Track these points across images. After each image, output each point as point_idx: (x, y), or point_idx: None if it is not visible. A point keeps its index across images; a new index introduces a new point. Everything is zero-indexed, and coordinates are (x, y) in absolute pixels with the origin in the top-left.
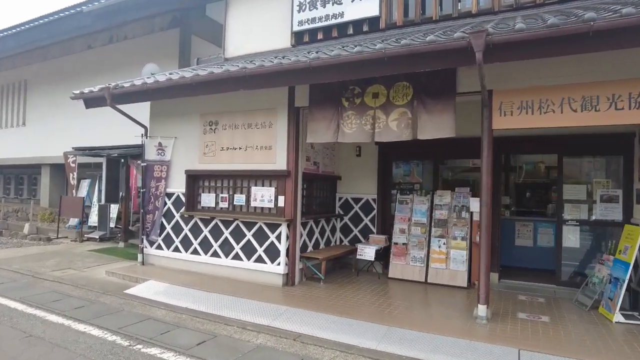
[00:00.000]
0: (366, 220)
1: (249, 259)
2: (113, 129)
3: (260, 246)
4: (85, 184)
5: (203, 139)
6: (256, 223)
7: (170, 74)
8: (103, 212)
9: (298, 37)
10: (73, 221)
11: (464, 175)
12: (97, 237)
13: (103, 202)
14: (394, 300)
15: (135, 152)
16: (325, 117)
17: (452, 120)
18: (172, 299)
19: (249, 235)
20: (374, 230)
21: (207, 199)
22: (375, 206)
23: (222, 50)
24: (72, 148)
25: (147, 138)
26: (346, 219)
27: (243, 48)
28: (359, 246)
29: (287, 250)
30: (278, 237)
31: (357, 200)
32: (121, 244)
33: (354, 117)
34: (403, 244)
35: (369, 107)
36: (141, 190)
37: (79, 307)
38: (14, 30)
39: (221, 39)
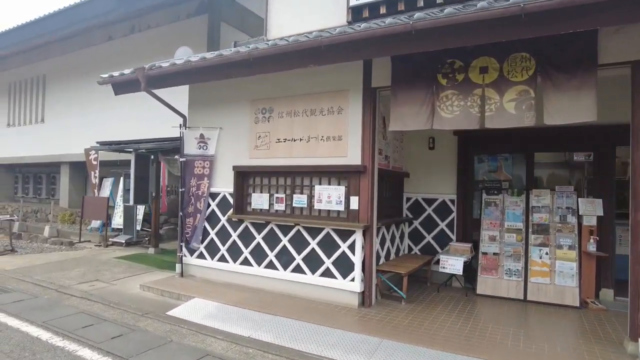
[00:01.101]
0: (442, 225)
1: (313, 272)
2: (138, 124)
3: (328, 257)
4: (107, 183)
5: (254, 130)
6: (322, 229)
7: (212, 54)
8: (129, 214)
9: (355, 13)
10: (95, 223)
11: (558, 172)
12: (123, 241)
13: (132, 202)
14: (503, 325)
15: (167, 146)
16: (415, 98)
17: (593, 99)
18: (228, 325)
19: (313, 244)
20: (453, 237)
21: (259, 200)
22: (453, 208)
23: (264, 31)
24: (97, 142)
25: (186, 129)
26: (416, 223)
27: (289, 28)
28: (442, 257)
29: (363, 262)
30: (351, 247)
31: (430, 202)
32: (151, 250)
33: (455, 97)
34: (494, 254)
35: (476, 85)
36: (180, 190)
37: (116, 336)
38: (34, 18)
39: (251, 26)
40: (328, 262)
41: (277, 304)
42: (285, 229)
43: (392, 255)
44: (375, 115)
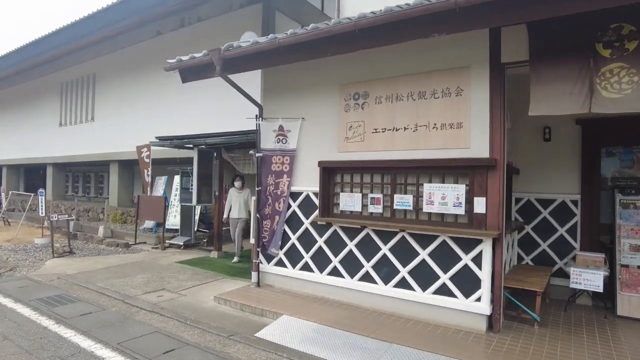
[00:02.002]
0: (561, 231)
1: (424, 288)
2: (190, 121)
3: (444, 271)
4: (160, 181)
5: (345, 119)
6: (436, 237)
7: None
8: (187, 215)
9: None
10: (148, 223)
11: None
12: (181, 243)
13: (195, 202)
14: None
15: (236, 140)
16: (565, 75)
17: None
18: (339, 356)
19: (423, 255)
20: (576, 244)
21: (350, 201)
22: (576, 211)
23: (336, 14)
24: (155, 137)
25: (262, 120)
26: (528, 228)
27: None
28: (574, 270)
29: (492, 279)
30: (477, 260)
31: (545, 203)
32: (214, 254)
33: (624, 73)
34: (638, 267)
35: None
36: (255, 189)
37: None
38: (86, 15)
39: (306, 15)
40: (444, 277)
41: (384, 327)
42: (385, 236)
43: (506, 267)
44: (505, 96)
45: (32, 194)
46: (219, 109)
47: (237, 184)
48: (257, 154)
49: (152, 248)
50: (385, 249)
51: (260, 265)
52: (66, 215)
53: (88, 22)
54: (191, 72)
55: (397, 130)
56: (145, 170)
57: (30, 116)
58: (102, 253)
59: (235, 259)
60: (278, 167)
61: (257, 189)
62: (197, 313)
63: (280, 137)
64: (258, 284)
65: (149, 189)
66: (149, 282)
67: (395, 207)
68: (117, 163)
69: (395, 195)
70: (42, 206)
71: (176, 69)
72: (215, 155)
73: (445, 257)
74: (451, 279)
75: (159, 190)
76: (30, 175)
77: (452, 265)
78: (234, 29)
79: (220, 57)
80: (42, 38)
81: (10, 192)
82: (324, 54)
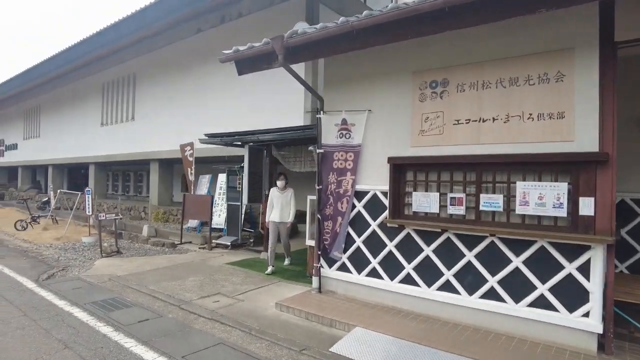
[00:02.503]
0: None
1: (517, 300)
2: (232, 119)
3: (543, 281)
4: (204, 180)
5: (419, 110)
6: (532, 242)
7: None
8: (233, 214)
9: None
10: (192, 222)
11: None
12: (228, 243)
13: (246, 201)
14: None
15: (286, 137)
16: None
17: None
18: None
19: (516, 262)
20: None
21: (424, 201)
22: None
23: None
24: (205, 135)
25: (323, 114)
26: (623, 232)
27: None
28: None
29: (604, 292)
30: (583, 269)
31: None
32: (264, 255)
33: None
34: None
35: None
36: (316, 188)
37: None
38: (129, 14)
39: (350, 9)
40: (542, 288)
41: (473, 343)
42: (470, 240)
43: None
44: (615, 81)
45: (79, 193)
46: (261, 106)
47: (279, 183)
48: (318, 150)
49: (199, 248)
50: (469, 256)
51: (321, 269)
52: (113, 215)
53: (129, 21)
54: (249, 63)
55: (483, 121)
56: (189, 169)
57: (74, 117)
58: (148, 253)
59: (270, 269)
60: (341, 164)
61: (317, 187)
62: (259, 322)
63: (344, 132)
64: (319, 290)
65: (192, 188)
66: (202, 285)
67: (481, 208)
68: (157, 162)
69: (482, 195)
70: (88, 205)
71: (232, 60)
72: (265, 153)
73: (543, 266)
74: (551, 290)
75: (202, 189)
76: (73, 175)
77: (551, 275)
78: (276, 23)
79: (283, 45)
80: (86, 39)
81: (58, 191)
82: (404, 36)
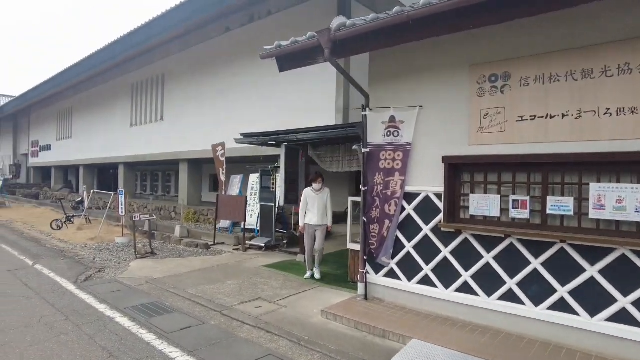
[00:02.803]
0: None
1: (592, 313)
2: (267, 117)
3: (625, 294)
4: (236, 180)
5: (477, 105)
6: (611, 250)
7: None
8: (266, 215)
9: None
10: (224, 223)
11: None
12: (262, 244)
13: (282, 203)
14: None
15: (326, 136)
16: None
17: None
18: None
19: (591, 271)
20: None
21: (483, 204)
22: None
23: None
24: (241, 135)
25: (369, 111)
26: None
27: None
28: None
29: None
30: None
31: None
32: (300, 257)
33: None
34: None
35: None
36: (361, 189)
37: None
38: (158, 15)
39: (382, 5)
40: (624, 301)
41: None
42: (536, 247)
43: None
44: None
45: (112, 193)
46: (291, 105)
47: (316, 185)
48: (363, 150)
49: (233, 249)
50: (535, 263)
51: (367, 275)
52: (147, 215)
53: (160, 21)
54: (291, 59)
55: (551, 117)
56: (220, 169)
57: (105, 118)
58: (182, 254)
59: (313, 273)
60: (388, 164)
61: (362, 189)
62: (307, 331)
63: (392, 130)
64: (365, 297)
65: (224, 188)
66: (242, 289)
67: (548, 212)
68: (186, 162)
69: (549, 198)
70: (122, 205)
71: (274, 56)
72: (301, 152)
73: (624, 276)
74: (635, 303)
75: (234, 189)
76: (102, 175)
77: (636, 287)
78: (306, 21)
79: (330, 39)
80: (118, 40)
81: (91, 191)
82: (465, 26)
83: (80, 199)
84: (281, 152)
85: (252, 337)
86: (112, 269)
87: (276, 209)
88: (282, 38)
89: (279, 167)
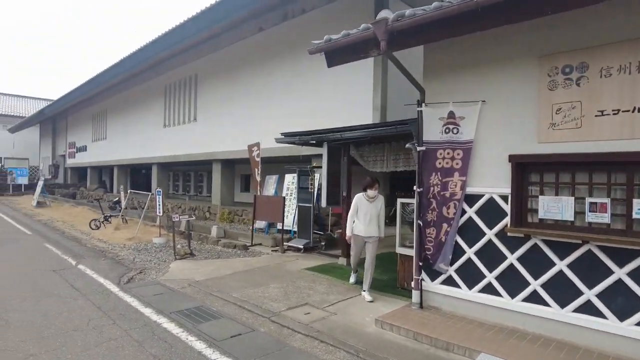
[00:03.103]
0: None
1: None
2: (303, 117)
3: None
4: (271, 180)
5: (548, 100)
6: None
7: None
8: (304, 216)
9: None
10: (260, 223)
11: None
12: (301, 246)
13: (324, 204)
14: None
15: (374, 134)
16: None
17: None
18: None
19: None
20: None
21: (555, 207)
22: None
23: None
24: (281, 134)
25: (424, 106)
26: None
27: None
28: None
29: None
30: None
31: None
32: (342, 260)
33: None
34: None
35: None
36: (416, 190)
37: None
38: (191, 16)
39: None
40: None
41: None
42: (620, 255)
43: None
44: None
45: (149, 193)
46: (327, 104)
47: (371, 191)
48: (418, 148)
49: (272, 250)
50: (620, 273)
51: (422, 282)
52: (187, 216)
53: (194, 22)
54: (342, 53)
55: (636, 111)
56: (256, 169)
57: (138, 119)
58: (221, 255)
59: (366, 295)
60: (446, 163)
61: (417, 190)
62: (363, 341)
63: (450, 126)
64: (420, 306)
65: (259, 188)
66: (287, 294)
67: (634, 216)
68: (219, 162)
69: (635, 201)
70: (159, 205)
71: (323, 51)
72: (342, 152)
73: None
74: None
75: (269, 190)
76: (134, 175)
77: None
78: (341, 18)
79: (387, 30)
80: (155, 40)
81: (128, 191)
82: (543, 11)
83: (117, 199)
84: (323, 151)
85: (306, 347)
86: (152, 270)
87: (313, 209)
88: (315, 35)
89: (319, 167)
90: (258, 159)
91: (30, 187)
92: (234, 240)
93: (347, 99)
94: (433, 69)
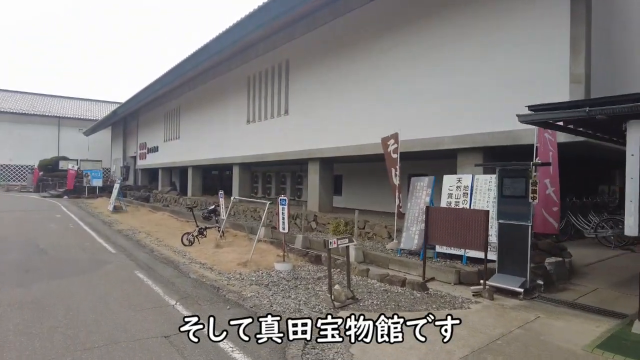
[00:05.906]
0: None
1: None
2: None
3: None
4: (422, 184)
5: None
6: None
7: None
8: (512, 239)
9: None
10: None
11: None
12: (516, 288)
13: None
14: None
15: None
16: None
17: None
18: None
19: None
20: None
21: None
22: None
23: None
24: (527, 107)
25: None
26: None
27: None
28: None
29: None
30: None
31: None
32: (637, 326)
33: None
34: None
35: None
36: None
37: None
38: None
39: None
40: None
41: None
42: None
43: None
44: None
45: (268, 202)
46: (478, 80)
47: None
48: None
49: (473, 295)
50: None
51: None
52: (346, 240)
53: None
54: None
55: None
56: (393, 169)
57: (215, 116)
58: (393, 299)
59: None
60: None
61: None
62: None
63: None
64: None
65: (397, 193)
66: None
67: None
68: (317, 161)
69: None
70: (283, 220)
71: None
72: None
73: None
74: None
75: (420, 196)
76: (207, 176)
77: None
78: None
79: None
80: (237, 23)
81: (232, 198)
82: None
83: (213, 206)
84: (630, 135)
85: None
86: (330, 348)
87: (531, 230)
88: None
89: (545, 164)
90: (396, 155)
91: (103, 189)
92: (383, 267)
93: (515, 70)
94: None
